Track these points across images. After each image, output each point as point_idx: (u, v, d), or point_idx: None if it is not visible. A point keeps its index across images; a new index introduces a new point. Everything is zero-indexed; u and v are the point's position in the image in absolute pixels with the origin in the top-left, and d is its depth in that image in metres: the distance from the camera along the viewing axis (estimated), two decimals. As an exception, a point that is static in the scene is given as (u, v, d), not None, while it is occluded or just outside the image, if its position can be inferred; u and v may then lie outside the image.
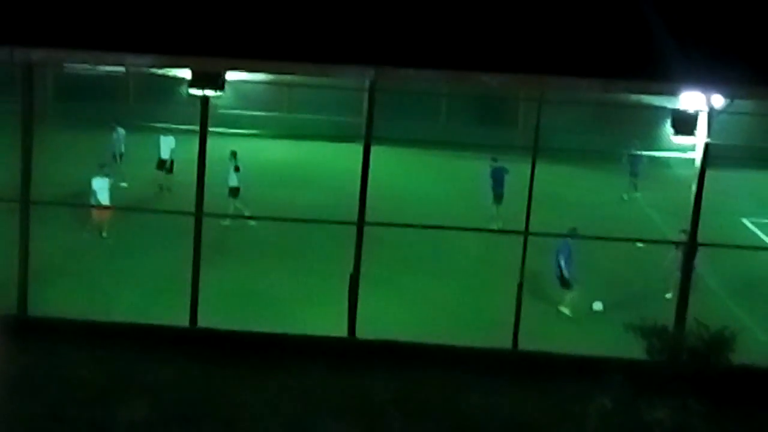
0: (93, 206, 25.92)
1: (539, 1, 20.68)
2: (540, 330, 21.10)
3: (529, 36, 20.04)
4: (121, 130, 31.96)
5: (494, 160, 29.65)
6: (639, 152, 34.20)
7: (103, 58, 21.45)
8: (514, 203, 25.33)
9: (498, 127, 38.11)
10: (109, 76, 37.28)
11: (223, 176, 27.31)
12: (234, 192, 28.05)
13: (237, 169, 28.30)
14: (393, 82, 25.40)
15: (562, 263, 23.01)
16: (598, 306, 23.25)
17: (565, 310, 22.99)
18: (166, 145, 31.27)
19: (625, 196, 33.30)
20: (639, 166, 34.12)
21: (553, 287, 23.42)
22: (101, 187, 25.96)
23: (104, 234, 25.88)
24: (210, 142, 20.35)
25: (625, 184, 33.69)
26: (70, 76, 37.25)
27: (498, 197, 29.32)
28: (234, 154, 28.55)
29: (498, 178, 29.40)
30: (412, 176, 34.28)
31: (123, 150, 31.76)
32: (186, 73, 20.01)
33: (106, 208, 25.93)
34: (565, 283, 23.15)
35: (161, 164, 31.31)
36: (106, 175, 26.26)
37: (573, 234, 23.45)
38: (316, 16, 19.94)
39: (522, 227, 21.21)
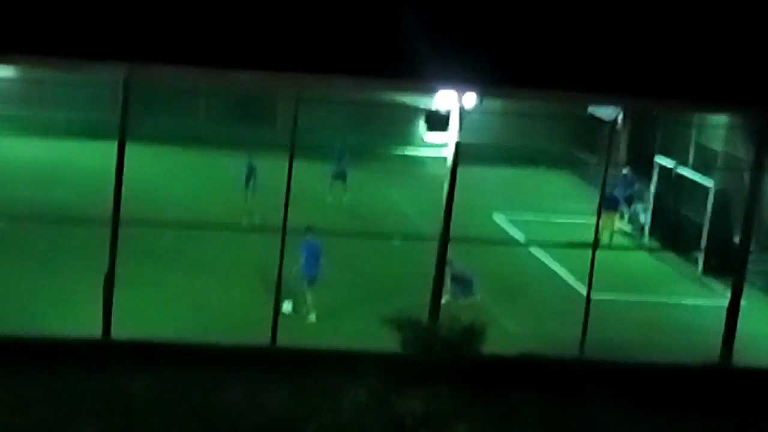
0: None
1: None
2: (296, 326, 21.32)
3: (284, 33, 20.15)
4: None
5: (249, 155, 29.81)
6: (343, 148, 33.03)
7: None
8: (268, 200, 25.45)
9: (257, 125, 38.06)
10: None
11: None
12: None
13: None
14: (148, 79, 24.93)
15: (302, 261, 22.72)
16: (287, 307, 22.46)
17: (311, 317, 22.83)
18: None
19: (330, 199, 32.31)
20: (346, 165, 32.72)
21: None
22: None
23: None
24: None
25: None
26: None
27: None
28: None
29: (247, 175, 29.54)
30: (169, 174, 33.78)
31: None
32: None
33: None
34: (309, 282, 22.90)
35: None
36: None
37: (311, 231, 23.11)
38: (68, 10, 19.39)
39: (273, 225, 21.23)
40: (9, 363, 18.67)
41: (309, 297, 22.86)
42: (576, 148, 40.14)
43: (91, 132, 33.64)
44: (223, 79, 27.21)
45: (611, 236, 30.49)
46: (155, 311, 22.10)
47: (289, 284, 22.03)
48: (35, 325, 20.29)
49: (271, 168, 26.83)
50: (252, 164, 29.74)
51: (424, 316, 20.01)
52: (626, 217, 32.66)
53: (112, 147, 20.01)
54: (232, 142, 31.69)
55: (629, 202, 32.73)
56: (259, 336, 20.71)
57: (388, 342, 17.98)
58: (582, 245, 24.47)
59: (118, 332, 20.11)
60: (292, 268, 22.05)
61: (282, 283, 21.45)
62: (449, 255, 22.05)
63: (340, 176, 32.55)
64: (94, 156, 29.30)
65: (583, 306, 22.58)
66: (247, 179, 29.60)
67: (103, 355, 19.40)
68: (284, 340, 20.81)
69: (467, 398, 16.01)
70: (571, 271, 26.98)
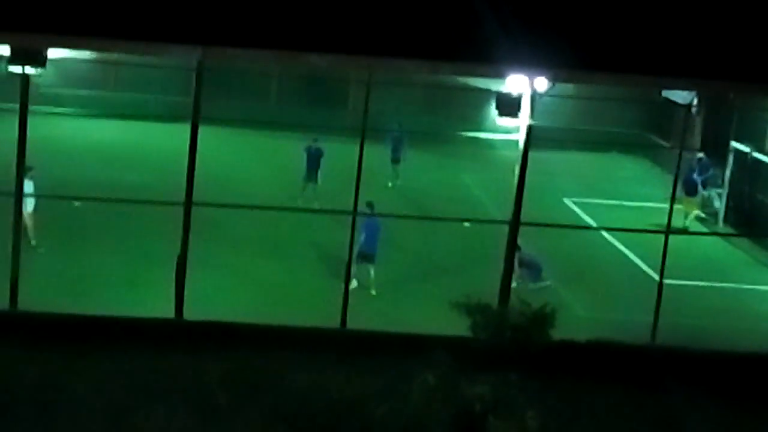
0: None
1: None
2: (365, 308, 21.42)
3: (356, 16, 20.15)
4: None
5: (315, 140, 29.92)
6: (399, 133, 33.16)
7: None
8: (337, 183, 25.62)
9: (328, 108, 38.18)
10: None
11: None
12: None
13: None
14: (221, 62, 25.15)
15: (362, 239, 23.05)
16: (354, 283, 22.69)
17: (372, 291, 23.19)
18: None
19: (390, 184, 32.48)
20: (402, 150, 32.99)
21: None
22: None
23: None
24: (31, 122, 19.78)
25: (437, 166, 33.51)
26: None
27: (312, 176, 29.56)
28: None
29: (313, 158, 29.67)
30: (241, 157, 34.05)
31: None
32: (4, 50, 19.36)
33: None
34: (365, 258, 23.21)
35: None
36: None
37: (371, 208, 23.35)
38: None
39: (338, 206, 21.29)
40: (84, 343, 18.97)
41: (372, 272, 23.23)
42: (650, 133, 39.72)
43: (166, 114, 34.01)
44: (296, 62, 27.31)
45: (690, 220, 30.20)
46: (226, 293, 22.31)
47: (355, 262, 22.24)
48: (110, 306, 20.58)
49: (341, 151, 26.97)
50: (316, 147, 29.78)
51: (493, 300, 19.93)
52: (701, 202, 32.28)
53: (186, 129, 20.20)
54: (303, 125, 31.80)
55: (704, 186, 32.32)
56: (328, 319, 20.81)
57: (457, 326, 17.95)
58: (655, 231, 24.22)
59: (189, 313, 20.33)
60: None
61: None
62: (519, 240, 21.96)
63: (397, 161, 32.58)
64: (168, 138, 29.67)
65: (656, 291, 22.36)
66: (312, 163, 29.65)
67: (176, 335, 19.62)
68: (354, 323, 20.89)
69: (537, 384, 15.94)
70: (644, 256, 26.73)
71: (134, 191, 26.23)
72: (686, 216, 30.11)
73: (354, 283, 22.63)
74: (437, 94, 37.77)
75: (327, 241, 25.35)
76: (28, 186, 22.75)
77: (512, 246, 21.67)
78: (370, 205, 23.19)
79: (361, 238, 22.96)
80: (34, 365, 17.89)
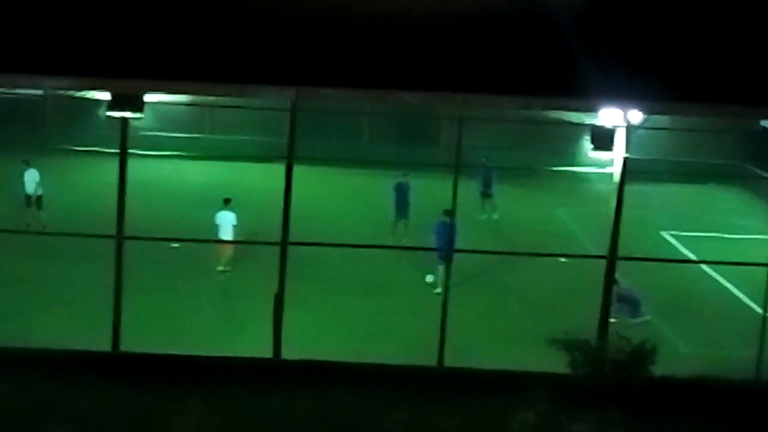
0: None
1: (456, 19, 20.82)
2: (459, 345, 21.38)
3: (448, 53, 20.18)
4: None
5: (404, 176, 30.03)
6: (489, 166, 33.19)
7: (20, 81, 21.20)
8: (428, 218, 25.70)
9: (419, 144, 38.29)
10: (27, 99, 36.71)
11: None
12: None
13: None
14: (314, 102, 25.39)
15: (435, 239, 24.20)
16: (430, 278, 24.89)
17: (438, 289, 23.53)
18: (31, 179, 29.30)
19: (484, 217, 32.49)
20: (491, 183, 32.92)
21: (467, 296, 23.52)
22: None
23: None
24: (131, 165, 20.16)
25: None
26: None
27: (402, 213, 29.64)
28: None
29: (402, 195, 29.77)
30: (333, 195, 34.28)
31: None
32: (104, 95, 19.80)
33: None
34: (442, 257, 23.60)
35: (28, 200, 29.23)
36: None
37: (449, 216, 23.48)
38: (235, 37, 19.88)
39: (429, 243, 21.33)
40: (184, 381, 19.17)
41: (441, 270, 23.48)
42: (748, 163, 39.03)
43: (261, 155, 34.43)
44: (388, 101, 27.45)
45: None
46: (321, 331, 22.37)
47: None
48: (208, 345, 20.78)
49: (432, 187, 26.97)
50: (405, 184, 29.83)
51: (591, 336, 19.69)
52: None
53: (280, 169, 20.40)
54: (395, 162, 31.91)
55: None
56: (425, 356, 20.73)
57: (555, 362, 17.75)
58: (756, 263, 23.71)
59: (286, 352, 20.43)
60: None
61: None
62: (616, 274, 21.67)
63: (487, 195, 32.51)
64: (263, 178, 29.97)
65: (759, 325, 21.85)
66: (401, 200, 29.68)
67: (273, 374, 19.73)
68: (450, 360, 20.77)
69: (639, 423, 15.67)
70: (745, 289, 26.18)
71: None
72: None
73: (430, 278, 24.76)
74: (528, 128, 37.62)
75: (418, 277, 25.32)
76: (229, 216, 25.46)
77: (609, 280, 21.40)
78: (449, 213, 23.29)
79: (435, 238, 24.32)
80: (133, 405, 18.13)
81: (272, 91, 20.01)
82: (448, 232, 23.31)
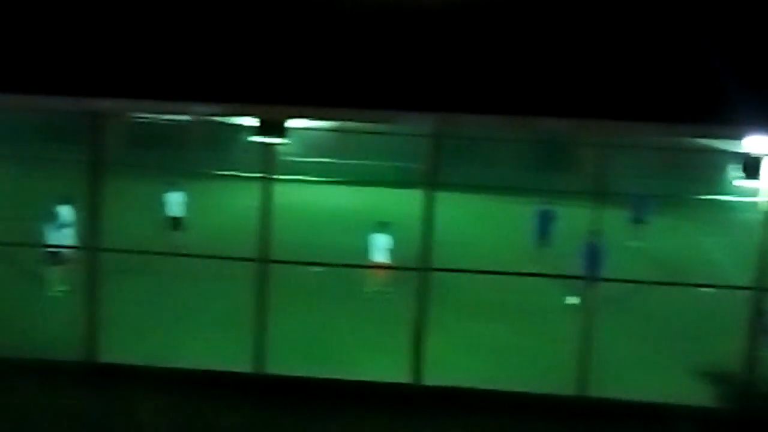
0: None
1: (602, 46, 20.67)
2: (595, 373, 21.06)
3: (592, 79, 20.03)
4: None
5: (547, 203, 29.90)
6: (641, 194, 33.37)
7: (169, 108, 21.85)
8: (570, 246, 25.56)
9: (562, 171, 38.02)
10: (177, 124, 37.77)
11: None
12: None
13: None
14: (456, 128, 25.46)
15: (581, 260, 24.20)
16: (572, 300, 24.72)
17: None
18: (174, 201, 30.06)
19: (634, 244, 32.47)
20: (644, 210, 33.20)
21: (609, 323, 23.18)
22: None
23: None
24: (275, 190, 20.53)
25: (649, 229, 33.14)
26: (137, 125, 37.79)
27: (544, 240, 29.57)
28: None
29: (545, 221, 29.69)
30: (473, 221, 34.24)
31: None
32: (249, 121, 20.26)
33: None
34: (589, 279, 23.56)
35: (170, 222, 30.00)
36: None
37: (597, 235, 24.03)
38: (378, 64, 20.11)
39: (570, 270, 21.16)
40: (321, 405, 19.37)
41: (587, 292, 22.92)
42: None
43: (402, 180, 34.65)
44: (531, 128, 27.34)
45: None
46: (462, 357, 22.34)
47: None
48: (347, 368, 20.95)
49: (575, 215, 26.74)
50: (547, 210, 29.70)
51: (737, 369, 19.19)
52: None
53: (421, 195, 20.50)
54: (537, 189, 31.77)
55: None
56: (565, 384, 20.50)
57: (700, 395, 17.36)
58: None
59: (426, 377, 20.45)
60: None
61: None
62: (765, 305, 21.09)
63: (639, 221, 32.34)
64: (404, 204, 30.13)
65: None
66: (544, 226, 29.57)
67: (413, 400, 19.77)
68: (592, 389, 20.50)
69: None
70: None
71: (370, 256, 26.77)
72: None
73: (570, 300, 24.88)
74: (671, 155, 37.02)
75: (559, 305, 25.11)
76: (384, 239, 26.32)
77: (757, 312, 20.84)
78: (594, 232, 23.33)
79: (581, 260, 24.25)
80: (270, 427, 18.37)
81: (413, 117, 20.15)
82: (593, 253, 23.29)
